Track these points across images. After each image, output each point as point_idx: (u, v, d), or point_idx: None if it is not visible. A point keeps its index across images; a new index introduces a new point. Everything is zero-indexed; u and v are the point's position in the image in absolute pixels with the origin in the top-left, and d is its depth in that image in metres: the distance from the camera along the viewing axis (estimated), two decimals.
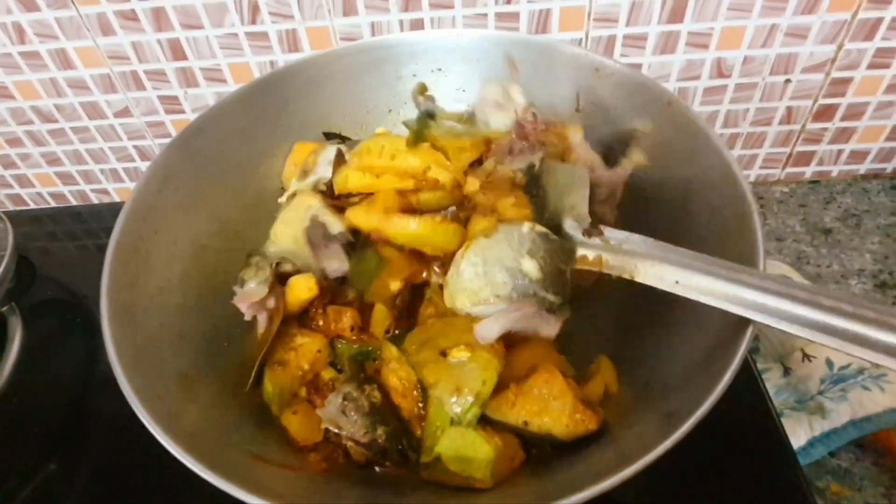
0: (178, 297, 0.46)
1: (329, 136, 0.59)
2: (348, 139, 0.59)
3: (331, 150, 0.53)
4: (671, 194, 0.48)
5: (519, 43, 0.56)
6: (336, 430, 0.41)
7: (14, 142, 0.82)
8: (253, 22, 0.69)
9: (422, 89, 0.59)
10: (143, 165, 0.85)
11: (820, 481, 0.55)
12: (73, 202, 0.91)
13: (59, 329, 0.68)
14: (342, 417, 0.41)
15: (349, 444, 0.41)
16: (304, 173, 0.51)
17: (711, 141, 0.44)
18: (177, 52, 0.72)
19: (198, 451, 0.33)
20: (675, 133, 0.47)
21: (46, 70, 0.74)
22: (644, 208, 0.50)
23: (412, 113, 0.61)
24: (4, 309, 0.65)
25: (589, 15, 0.67)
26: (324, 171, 0.51)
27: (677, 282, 0.38)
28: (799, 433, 0.55)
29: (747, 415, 0.51)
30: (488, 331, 0.42)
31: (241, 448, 0.38)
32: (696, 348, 0.38)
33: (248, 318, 0.48)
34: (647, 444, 0.33)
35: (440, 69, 0.59)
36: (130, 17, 0.68)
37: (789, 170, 0.82)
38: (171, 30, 0.69)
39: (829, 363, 0.59)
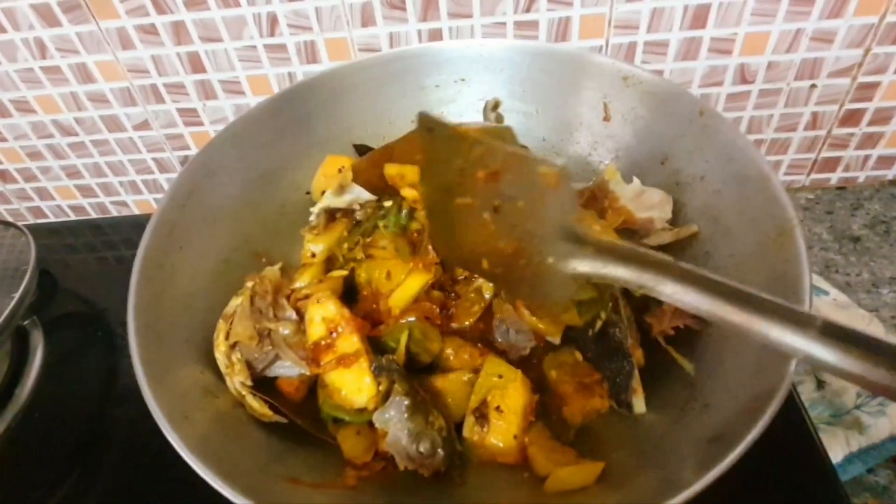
0: (203, 312, 0.45)
1: (359, 149, 0.59)
2: None
3: None
4: (703, 206, 0.46)
5: (543, 52, 0.55)
6: (392, 453, 0.40)
7: (35, 155, 0.83)
8: (271, 34, 0.68)
9: (494, 105, 0.58)
10: (162, 178, 0.86)
11: (857, 499, 0.53)
12: (93, 214, 0.91)
13: (79, 342, 0.68)
14: (398, 442, 0.39)
15: (399, 461, 0.40)
16: (341, 188, 0.50)
17: (747, 152, 0.43)
18: (196, 65, 0.72)
19: (231, 477, 0.32)
20: (708, 143, 0.46)
21: (67, 84, 0.74)
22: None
23: None
24: (26, 322, 0.65)
25: (609, 22, 0.66)
26: (360, 189, 0.50)
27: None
28: (835, 449, 0.54)
29: (784, 429, 0.49)
30: None
31: (270, 471, 0.37)
32: (739, 364, 0.36)
33: None
34: (689, 474, 0.31)
35: (463, 79, 0.58)
36: (150, 31, 0.68)
37: (815, 176, 0.80)
38: (191, 43, 0.70)
39: None
